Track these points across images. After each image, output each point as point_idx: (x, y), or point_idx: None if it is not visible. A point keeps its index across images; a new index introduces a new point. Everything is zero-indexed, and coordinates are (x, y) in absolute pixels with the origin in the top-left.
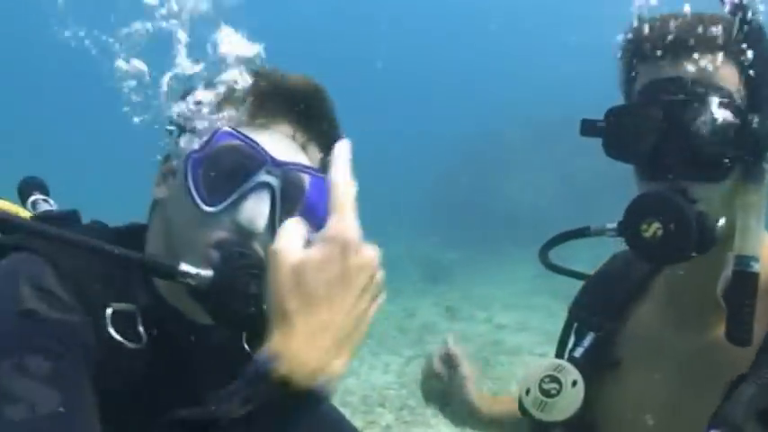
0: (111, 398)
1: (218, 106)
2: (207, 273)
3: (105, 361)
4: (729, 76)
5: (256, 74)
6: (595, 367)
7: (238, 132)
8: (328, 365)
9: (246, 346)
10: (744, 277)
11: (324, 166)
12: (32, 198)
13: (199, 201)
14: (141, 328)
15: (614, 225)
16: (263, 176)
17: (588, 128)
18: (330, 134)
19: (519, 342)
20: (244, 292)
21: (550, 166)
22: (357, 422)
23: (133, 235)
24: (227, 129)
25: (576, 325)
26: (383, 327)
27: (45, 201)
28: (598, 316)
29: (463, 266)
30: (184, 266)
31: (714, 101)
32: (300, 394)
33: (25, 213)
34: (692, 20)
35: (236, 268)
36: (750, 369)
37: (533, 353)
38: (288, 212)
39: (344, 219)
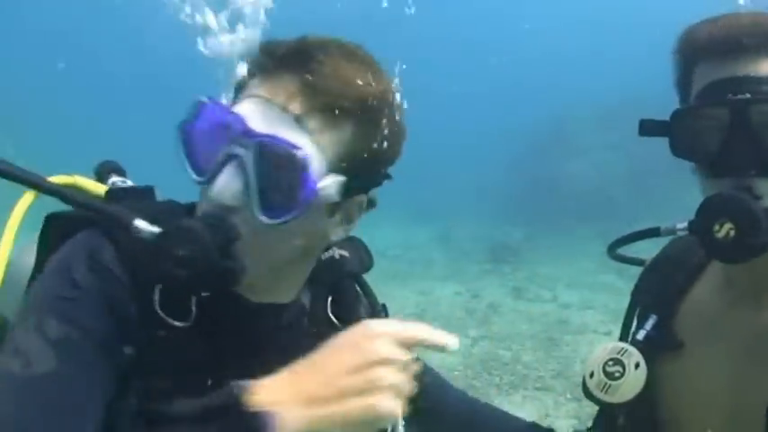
0: (162, 374)
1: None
2: (154, 230)
3: (154, 338)
4: None
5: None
6: (657, 349)
7: (216, 103)
8: (284, 406)
9: (332, 317)
10: None
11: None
12: (111, 180)
13: (190, 171)
14: (193, 306)
15: (684, 225)
16: (232, 148)
17: (649, 128)
18: (344, 96)
19: (584, 321)
20: (172, 253)
21: (613, 147)
22: None
23: None
24: (205, 100)
25: (638, 308)
26: (449, 308)
27: (123, 183)
28: (659, 299)
29: (528, 246)
30: (138, 222)
31: None
32: (246, 412)
33: (99, 188)
34: (755, 18)
35: (179, 229)
36: None
37: (598, 332)
38: (273, 185)
39: (389, 324)
